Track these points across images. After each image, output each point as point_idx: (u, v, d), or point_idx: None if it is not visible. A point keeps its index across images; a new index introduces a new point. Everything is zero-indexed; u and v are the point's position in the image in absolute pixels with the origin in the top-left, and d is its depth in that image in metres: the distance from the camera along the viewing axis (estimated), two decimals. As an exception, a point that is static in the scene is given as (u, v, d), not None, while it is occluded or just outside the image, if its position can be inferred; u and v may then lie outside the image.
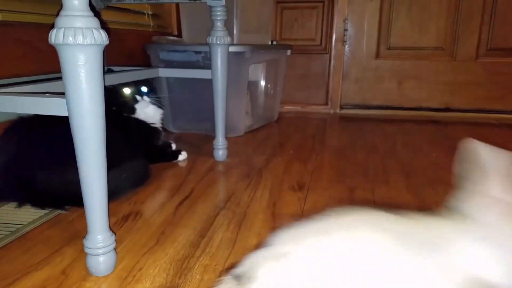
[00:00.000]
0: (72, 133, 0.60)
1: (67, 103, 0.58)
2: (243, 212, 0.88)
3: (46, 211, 0.86)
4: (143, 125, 1.20)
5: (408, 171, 1.18)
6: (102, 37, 0.57)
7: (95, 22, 0.57)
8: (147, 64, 1.60)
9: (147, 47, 1.59)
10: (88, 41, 0.56)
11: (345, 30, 2.17)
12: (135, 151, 1.11)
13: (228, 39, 1.18)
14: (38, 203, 0.87)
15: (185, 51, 1.51)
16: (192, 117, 1.59)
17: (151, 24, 1.87)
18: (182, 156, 1.26)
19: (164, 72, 1.35)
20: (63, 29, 0.55)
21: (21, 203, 0.88)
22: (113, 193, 0.94)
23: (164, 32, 1.91)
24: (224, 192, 1.00)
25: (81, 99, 0.58)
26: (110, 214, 0.86)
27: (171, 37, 1.68)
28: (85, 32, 0.55)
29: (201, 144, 1.45)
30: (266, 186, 1.03)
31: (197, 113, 1.57)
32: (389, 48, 2.18)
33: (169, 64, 1.54)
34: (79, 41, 0.55)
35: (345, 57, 2.22)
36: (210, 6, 1.16)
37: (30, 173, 0.87)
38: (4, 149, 0.93)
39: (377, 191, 1.01)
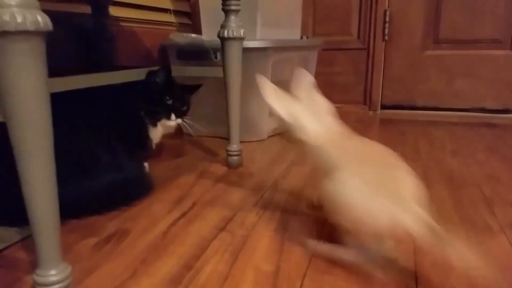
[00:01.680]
0: (12, 144, 0.48)
1: (2, 106, 0.46)
2: (246, 236, 0.73)
3: (21, 229, 0.76)
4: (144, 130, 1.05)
5: (456, 186, 0.98)
6: (41, 22, 0.45)
7: (32, 2, 0.45)
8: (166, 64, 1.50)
9: (164, 46, 1.49)
10: (21, 26, 0.43)
11: (386, 22, 1.96)
12: (136, 159, 0.99)
13: (242, 32, 1.04)
14: (12, 220, 0.76)
15: (202, 50, 1.38)
16: (210, 120, 1.46)
17: (175, 22, 1.77)
18: None
19: (176, 71, 1.23)
20: (-16, 10, 0.43)
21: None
22: (106, 205, 0.84)
23: (185, 30, 1.80)
24: (229, 209, 0.85)
25: (18, 100, 0.46)
26: (94, 232, 0.75)
27: (190, 35, 1.56)
28: (17, 15, 0.43)
29: (218, 150, 1.31)
30: (280, 203, 0.87)
31: (216, 116, 1.44)
32: (437, 42, 1.93)
33: (185, 63, 1.42)
34: (8, 27, 0.43)
35: (386, 52, 2.01)
36: (221, -5, 1.03)
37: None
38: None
39: (415, 212, 0.83)
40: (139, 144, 1.03)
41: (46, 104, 0.48)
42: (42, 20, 0.45)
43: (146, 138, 1.03)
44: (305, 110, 0.67)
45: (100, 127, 0.90)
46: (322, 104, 0.70)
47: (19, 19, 0.43)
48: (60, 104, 0.54)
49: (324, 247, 0.65)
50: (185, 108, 1.07)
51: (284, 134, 0.71)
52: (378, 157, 0.63)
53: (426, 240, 0.52)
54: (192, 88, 1.12)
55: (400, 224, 0.53)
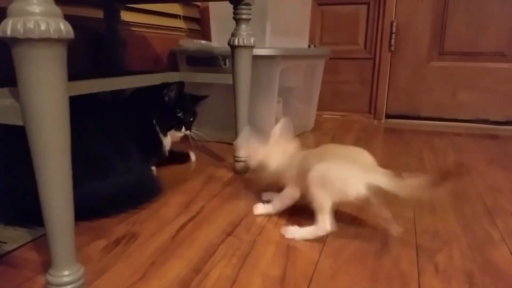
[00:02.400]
0: (30, 147, 0.49)
1: (22, 110, 0.48)
2: (252, 241, 0.74)
3: (32, 230, 0.77)
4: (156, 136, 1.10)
5: (459, 197, 0.99)
6: (63, 30, 0.47)
7: (55, 10, 0.46)
8: (175, 71, 1.52)
9: (173, 52, 1.51)
10: (44, 34, 0.45)
11: (392, 33, 1.98)
12: (144, 162, 1.01)
13: (252, 41, 1.06)
14: (23, 221, 0.78)
15: (211, 56, 1.40)
16: (218, 125, 1.48)
17: (185, 28, 1.80)
18: None
19: (185, 77, 1.25)
20: (11, 18, 0.44)
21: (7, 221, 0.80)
22: (116, 207, 0.86)
23: (194, 36, 1.83)
24: (236, 214, 0.87)
25: (39, 105, 0.47)
26: (104, 235, 0.77)
27: (200, 41, 1.58)
28: (41, 23, 0.45)
29: (225, 155, 1.33)
30: (285, 210, 0.88)
31: (223, 121, 1.45)
32: (442, 53, 1.96)
33: (194, 69, 1.44)
34: (32, 35, 0.44)
35: (392, 62, 2.02)
36: (233, 5, 1.04)
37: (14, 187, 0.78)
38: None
39: (419, 222, 0.84)
40: (152, 149, 1.08)
41: (65, 109, 0.50)
42: (64, 28, 0.47)
43: (159, 144, 1.09)
44: (273, 151, 0.85)
45: (112, 132, 0.92)
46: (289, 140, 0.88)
47: (42, 27, 0.45)
48: (74, 107, 0.56)
49: (301, 231, 0.76)
50: (192, 119, 1.14)
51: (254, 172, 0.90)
52: (343, 151, 0.80)
53: (392, 189, 0.69)
54: (198, 98, 1.18)
55: (373, 182, 0.70)
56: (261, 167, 0.86)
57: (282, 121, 0.87)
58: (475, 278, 0.63)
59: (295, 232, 0.76)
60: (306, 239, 0.75)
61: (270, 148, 0.85)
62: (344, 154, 0.78)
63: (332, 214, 0.73)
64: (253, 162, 0.87)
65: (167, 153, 1.13)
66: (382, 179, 0.70)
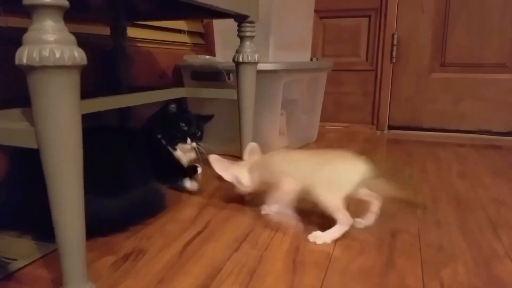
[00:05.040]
0: (43, 168, 0.51)
1: (36, 134, 0.50)
2: (259, 257, 0.75)
3: (44, 244, 0.79)
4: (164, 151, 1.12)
5: (463, 209, 1.00)
6: (77, 57, 0.48)
7: (69, 38, 0.48)
8: (180, 85, 1.54)
9: (178, 67, 1.53)
10: (59, 61, 0.47)
11: (394, 45, 2.00)
12: (149, 176, 1.02)
13: (256, 57, 1.08)
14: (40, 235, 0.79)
15: (216, 71, 1.42)
16: (223, 139, 1.49)
17: (189, 42, 1.82)
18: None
19: (190, 93, 1.27)
20: (27, 47, 0.46)
21: (22, 233, 0.82)
22: (121, 223, 0.87)
23: (198, 50, 1.85)
24: (242, 229, 0.88)
25: (53, 129, 0.49)
26: (112, 251, 0.78)
27: (204, 56, 1.60)
28: (55, 51, 0.46)
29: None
30: (290, 225, 0.89)
31: (228, 134, 1.47)
32: (443, 65, 1.97)
33: (199, 84, 1.46)
34: (47, 62, 0.46)
35: (394, 74, 2.04)
36: (237, 23, 1.07)
37: (33, 201, 0.80)
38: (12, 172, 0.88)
39: (424, 236, 0.85)
40: (164, 165, 1.11)
41: (78, 132, 0.51)
42: (78, 55, 0.49)
43: (170, 158, 1.12)
44: (242, 168, 0.96)
45: (121, 151, 0.94)
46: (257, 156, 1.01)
47: (57, 55, 0.47)
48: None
49: (329, 233, 0.81)
50: (199, 134, 1.16)
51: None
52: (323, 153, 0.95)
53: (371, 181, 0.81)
54: (205, 118, 1.22)
55: (360, 173, 0.81)
56: (235, 183, 0.97)
57: (249, 146, 1.01)
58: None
59: (324, 236, 0.81)
60: (337, 238, 0.80)
61: (238, 167, 0.97)
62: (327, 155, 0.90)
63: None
64: (225, 178, 0.97)
65: (185, 167, 1.15)
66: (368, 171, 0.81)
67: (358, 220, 0.85)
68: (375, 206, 0.86)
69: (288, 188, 0.86)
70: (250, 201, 0.97)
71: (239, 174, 0.95)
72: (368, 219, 0.86)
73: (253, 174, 0.94)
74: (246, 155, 1.01)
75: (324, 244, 0.80)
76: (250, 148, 1.01)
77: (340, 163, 0.84)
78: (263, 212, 0.94)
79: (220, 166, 0.96)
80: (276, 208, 0.92)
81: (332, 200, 0.80)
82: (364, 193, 0.85)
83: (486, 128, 1.96)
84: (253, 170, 0.94)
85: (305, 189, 0.83)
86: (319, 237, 0.81)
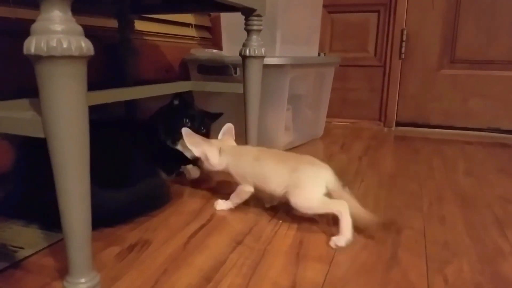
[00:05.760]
0: (50, 158, 0.51)
1: (44, 124, 0.50)
2: (262, 250, 0.76)
3: (50, 233, 0.80)
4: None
5: (469, 206, 1.00)
6: (84, 47, 0.49)
7: (77, 28, 0.48)
8: (187, 79, 1.54)
9: (185, 61, 1.53)
10: (66, 52, 0.47)
11: (403, 41, 1.98)
12: (155, 169, 1.03)
13: (263, 51, 1.07)
14: (46, 224, 0.80)
15: (222, 65, 1.42)
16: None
17: (196, 36, 1.82)
18: None
19: (195, 86, 1.27)
20: (35, 37, 0.46)
21: (28, 222, 0.83)
22: (127, 215, 0.87)
23: (205, 44, 1.85)
24: (246, 223, 0.88)
25: (60, 119, 0.49)
26: (117, 242, 0.79)
27: (211, 50, 1.60)
28: (63, 41, 0.47)
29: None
30: (294, 219, 0.89)
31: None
32: (452, 61, 1.95)
33: (205, 77, 1.46)
34: (54, 52, 0.46)
35: (402, 70, 2.03)
36: (244, 16, 1.06)
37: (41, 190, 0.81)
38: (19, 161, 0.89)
39: (429, 233, 0.84)
40: (169, 157, 1.11)
41: (85, 122, 0.52)
42: (85, 46, 0.49)
43: (174, 151, 1.11)
44: (213, 147, 0.95)
45: (126, 145, 0.95)
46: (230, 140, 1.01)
47: (64, 45, 0.47)
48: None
49: (344, 235, 0.78)
50: (204, 131, 1.14)
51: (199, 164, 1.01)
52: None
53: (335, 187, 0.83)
54: (213, 115, 1.20)
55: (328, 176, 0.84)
56: (203, 159, 0.97)
57: (225, 127, 1.01)
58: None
59: (343, 238, 0.78)
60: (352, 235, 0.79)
61: (210, 145, 0.96)
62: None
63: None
64: (195, 153, 0.97)
65: (190, 160, 1.14)
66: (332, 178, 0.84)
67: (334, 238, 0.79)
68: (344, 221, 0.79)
69: (244, 191, 0.92)
70: (254, 196, 0.97)
71: (208, 152, 0.95)
72: (340, 240, 0.78)
73: (222, 157, 0.95)
74: (220, 135, 1.00)
75: (328, 238, 0.80)
76: (226, 129, 1.00)
77: (308, 168, 0.85)
78: (218, 208, 0.96)
79: (192, 140, 0.95)
80: (229, 205, 0.95)
81: (321, 204, 0.81)
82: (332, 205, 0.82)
83: (494, 126, 1.94)
84: (224, 153, 0.95)
85: (275, 193, 0.87)
86: (340, 240, 0.77)
